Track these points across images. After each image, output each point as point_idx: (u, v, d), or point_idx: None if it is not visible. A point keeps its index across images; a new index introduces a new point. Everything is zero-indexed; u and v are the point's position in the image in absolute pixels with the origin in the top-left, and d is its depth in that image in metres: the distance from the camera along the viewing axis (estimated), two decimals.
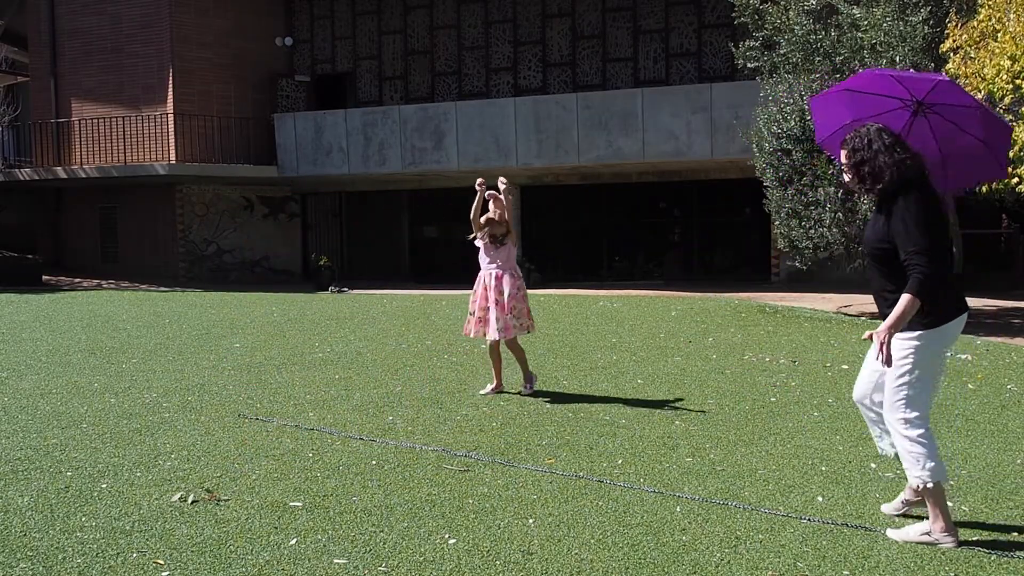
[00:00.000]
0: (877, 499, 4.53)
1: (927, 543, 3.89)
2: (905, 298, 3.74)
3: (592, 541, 3.97)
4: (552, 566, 3.70)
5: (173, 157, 20.19)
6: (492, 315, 7.15)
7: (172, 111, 20.25)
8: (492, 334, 7.17)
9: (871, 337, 3.81)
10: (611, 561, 3.75)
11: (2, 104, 22.53)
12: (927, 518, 3.98)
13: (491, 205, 7.43)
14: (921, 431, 3.87)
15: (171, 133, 20.26)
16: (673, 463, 5.19)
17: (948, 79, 4.28)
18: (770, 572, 3.64)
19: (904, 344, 3.87)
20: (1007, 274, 17.54)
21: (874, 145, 3.93)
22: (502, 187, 7.45)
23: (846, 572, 3.63)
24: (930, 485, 3.87)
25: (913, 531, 3.96)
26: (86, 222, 22.68)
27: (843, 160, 4.09)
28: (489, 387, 7.36)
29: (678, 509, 4.37)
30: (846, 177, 4.11)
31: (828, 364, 8.56)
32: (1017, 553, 3.81)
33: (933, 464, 3.85)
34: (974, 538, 3.98)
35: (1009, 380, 7.72)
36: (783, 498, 4.54)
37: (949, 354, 4.40)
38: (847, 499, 4.53)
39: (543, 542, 3.96)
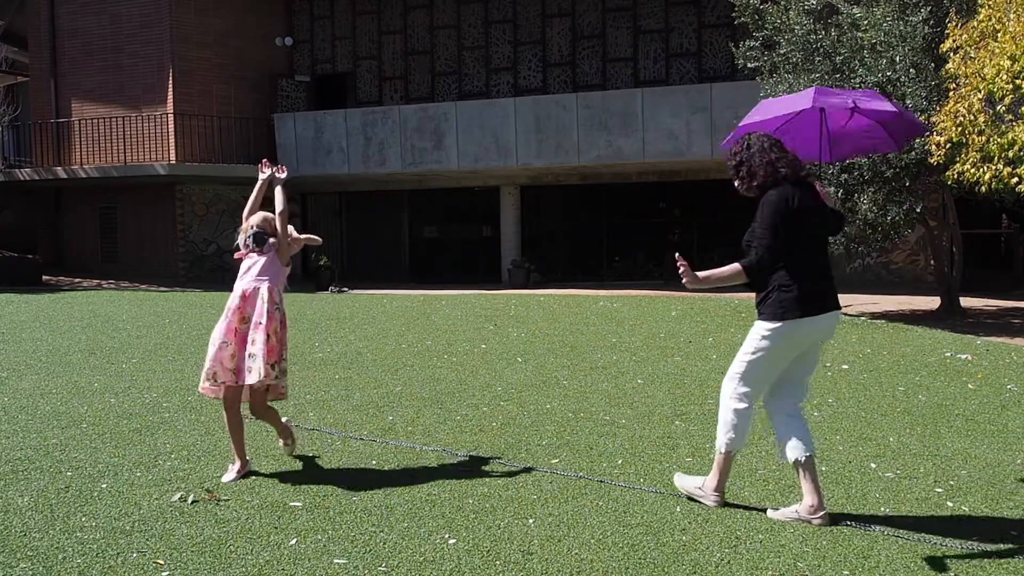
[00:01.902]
0: (877, 499, 4.53)
1: (696, 495, 4.43)
2: (734, 266, 4.18)
3: (592, 541, 3.97)
4: (552, 566, 3.70)
5: (173, 157, 20.20)
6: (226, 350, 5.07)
7: (172, 111, 20.25)
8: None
9: (677, 258, 4.22)
10: (611, 561, 3.75)
11: (2, 104, 22.52)
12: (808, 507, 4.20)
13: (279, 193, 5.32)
14: (744, 406, 4.29)
15: (171, 133, 20.26)
16: (673, 463, 5.19)
17: (817, 88, 4.83)
18: (770, 572, 3.64)
19: (759, 330, 4.24)
20: (1007, 274, 17.54)
21: (752, 148, 4.27)
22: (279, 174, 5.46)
23: (846, 572, 3.63)
24: (723, 451, 4.34)
25: (691, 482, 4.47)
26: (86, 222, 22.67)
27: (728, 164, 4.42)
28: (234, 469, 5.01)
29: (678, 509, 4.38)
30: (734, 181, 4.41)
31: (828, 364, 8.55)
32: (1017, 553, 3.81)
33: (734, 436, 4.30)
34: (974, 538, 3.98)
35: (1009, 380, 7.72)
36: (783, 498, 4.54)
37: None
38: (847, 499, 4.53)
39: (543, 542, 3.96)
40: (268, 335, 4.95)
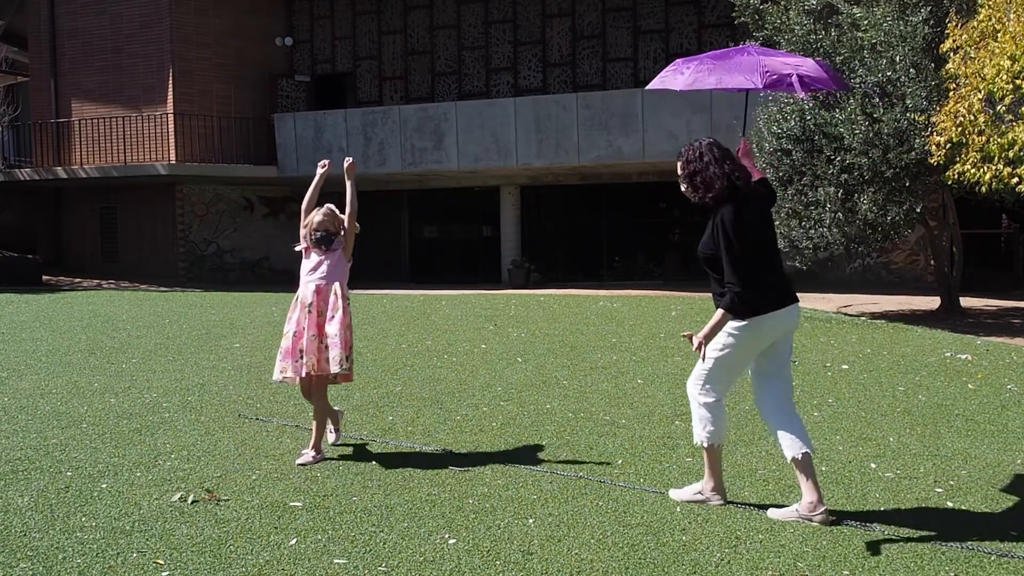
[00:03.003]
0: (877, 499, 4.53)
1: (699, 501, 4.44)
2: (718, 313, 4.22)
3: (592, 541, 3.97)
4: (552, 566, 3.70)
5: (173, 157, 20.19)
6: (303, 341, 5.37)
7: (172, 111, 20.25)
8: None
9: (690, 337, 4.26)
10: (611, 561, 3.75)
11: (2, 104, 22.53)
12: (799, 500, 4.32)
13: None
14: (713, 400, 4.38)
15: (171, 133, 20.26)
16: (673, 463, 5.19)
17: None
18: (770, 572, 3.64)
19: (729, 328, 4.29)
20: (1007, 274, 17.54)
21: (705, 158, 4.34)
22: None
23: (846, 572, 3.63)
24: (705, 445, 4.40)
25: (688, 491, 4.51)
26: (86, 222, 22.67)
27: (678, 171, 4.48)
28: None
29: (678, 509, 4.38)
30: (682, 187, 4.47)
31: (828, 364, 8.55)
32: (1017, 553, 3.81)
33: (713, 429, 4.37)
34: (974, 538, 3.99)
35: (1009, 380, 7.72)
36: (783, 498, 4.54)
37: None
38: (847, 499, 4.53)
39: (543, 542, 3.96)
40: (342, 328, 5.29)
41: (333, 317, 5.32)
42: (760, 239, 4.32)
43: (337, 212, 5.54)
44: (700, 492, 4.47)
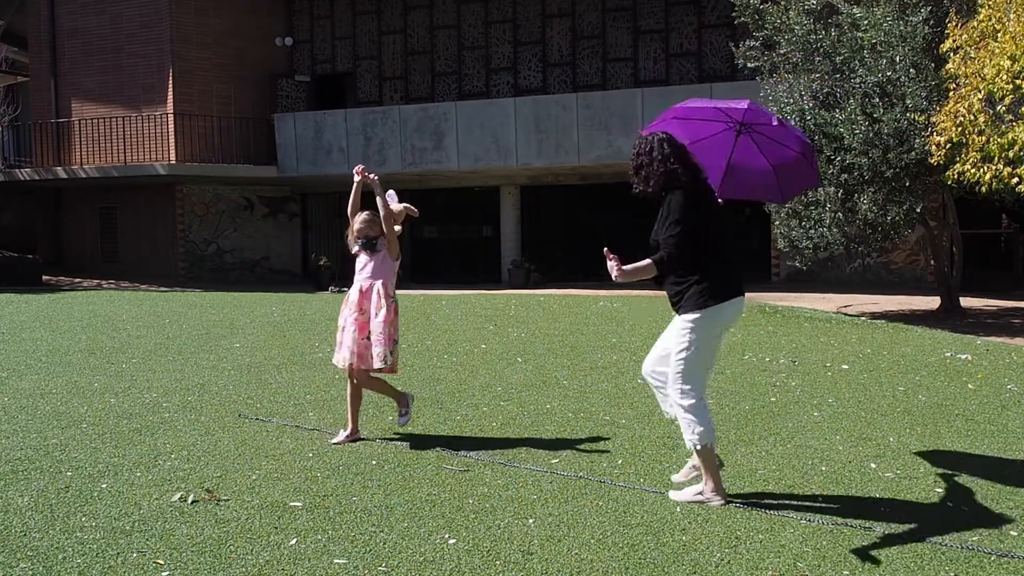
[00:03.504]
0: (877, 499, 4.53)
1: (699, 502, 4.44)
2: (647, 261, 4.35)
3: (592, 541, 3.97)
4: (552, 566, 3.70)
5: (173, 157, 20.19)
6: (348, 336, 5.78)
7: (172, 111, 20.25)
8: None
9: (608, 253, 4.29)
10: (611, 561, 3.75)
11: (2, 104, 22.53)
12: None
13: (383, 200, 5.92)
14: (693, 401, 4.41)
15: (171, 133, 20.26)
16: (673, 463, 5.19)
17: (753, 104, 4.84)
18: (770, 572, 3.64)
19: (683, 325, 4.43)
20: (1007, 274, 17.54)
21: (653, 153, 4.50)
22: (392, 200, 5.98)
23: (846, 572, 3.63)
24: (698, 447, 4.42)
25: (688, 492, 4.53)
26: (86, 222, 22.68)
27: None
28: (343, 433, 5.87)
29: (678, 509, 4.38)
30: (634, 182, 4.64)
31: (828, 364, 8.56)
32: (1017, 553, 3.81)
33: (702, 429, 4.39)
34: (974, 538, 3.99)
35: (1009, 380, 7.72)
36: (783, 498, 4.54)
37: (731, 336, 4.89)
38: (847, 499, 4.53)
39: (543, 542, 3.96)
40: (385, 325, 5.70)
41: (376, 315, 5.70)
42: (710, 231, 4.44)
43: (375, 217, 5.86)
44: (700, 493, 4.49)
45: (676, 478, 4.77)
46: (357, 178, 5.97)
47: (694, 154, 4.72)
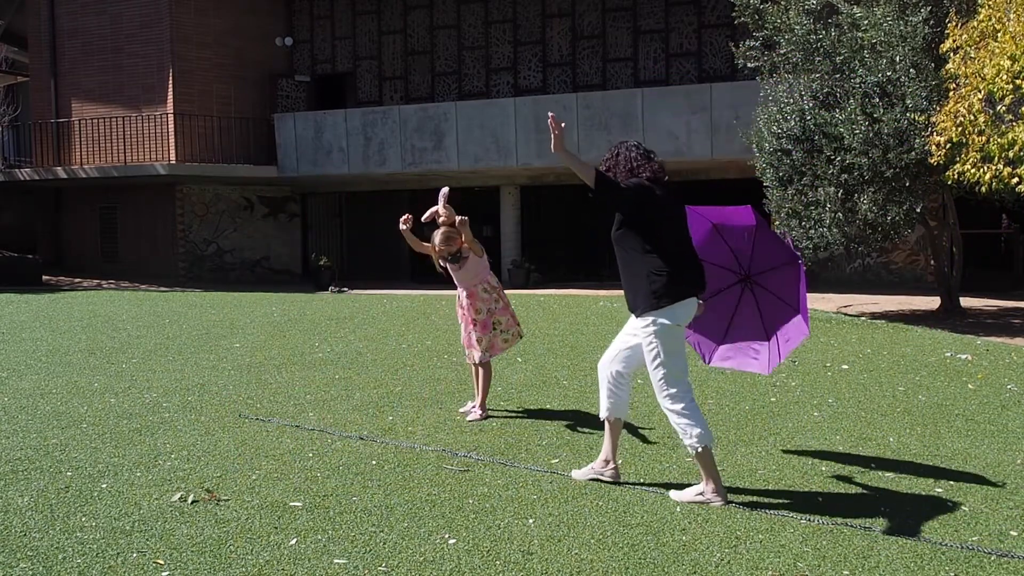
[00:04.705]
0: (877, 499, 4.53)
1: (700, 502, 4.45)
2: (591, 166, 4.43)
3: (592, 541, 3.97)
4: (552, 566, 3.70)
5: (173, 157, 20.19)
6: (473, 336, 6.49)
7: (172, 111, 20.25)
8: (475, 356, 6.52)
9: (553, 119, 4.45)
10: (611, 561, 3.75)
11: (2, 104, 22.53)
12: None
13: (441, 218, 6.50)
14: (683, 404, 4.46)
15: (171, 133, 20.26)
16: (673, 463, 5.19)
17: (797, 261, 5.08)
18: (770, 572, 3.64)
19: (645, 331, 4.50)
20: (1007, 274, 17.54)
21: (619, 157, 4.68)
22: (442, 198, 6.55)
23: (846, 572, 3.63)
24: (699, 449, 4.43)
25: (689, 492, 4.53)
26: (86, 222, 22.68)
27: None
28: (471, 404, 6.60)
29: (678, 509, 4.38)
30: None
31: (828, 364, 8.56)
32: (1017, 553, 3.81)
33: (699, 431, 4.42)
34: (974, 538, 3.99)
35: (1009, 380, 7.72)
36: (783, 497, 4.54)
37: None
38: (847, 499, 4.54)
39: (543, 542, 3.96)
40: (510, 314, 6.54)
41: (496, 309, 6.46)
42: (666, 230, 4.55)
43: (451, 232, 6.38)
44: (701, 494, 4.49)
45: (575, 475, 4.88)
46: (403, 227, 6.51)
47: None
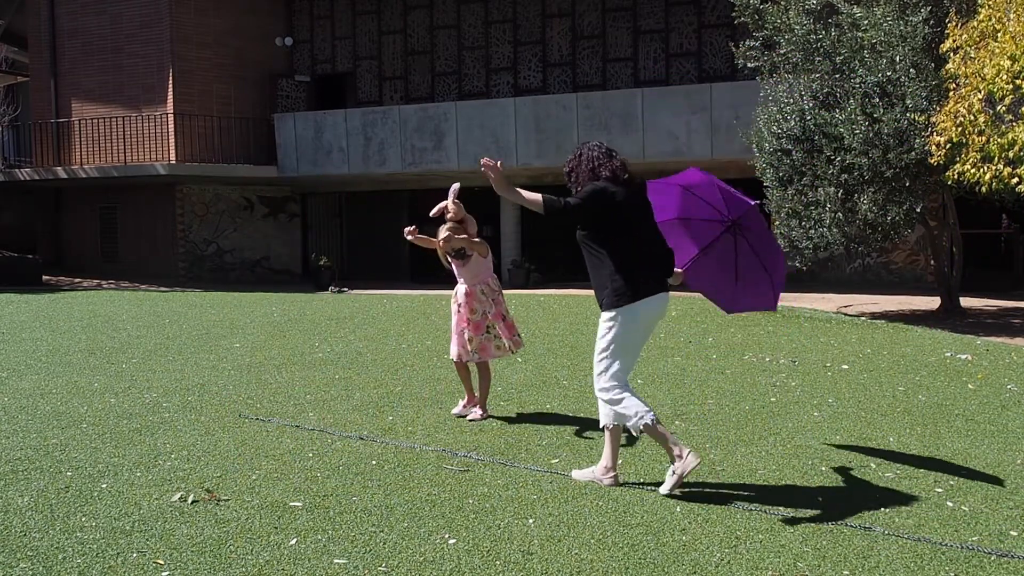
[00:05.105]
0: (877, 499, 4.53)
1: (589, 479, 4.76)
2: (537, 195, 4.56)
3: (592, 541, 3.97)
4: (552, 566, 3.70)
5: (173, 157, 20.20)
6: (465, 335, 6.43)
7: (172, 111, 20.25)
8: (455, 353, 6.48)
9: (487, 163, 4.58)
10: (611, 561, 3.75)
11: (2, 104, 22.53)
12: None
13: (449, 213, 6.47)
14: (616, 393, 4.64)
15: (171, 133, 20.26)
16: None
17: (756, 205, 5.04)
18: (770, 572, 3.64)
19: (603, 324, 4.66)
20: (1007, 274, 17.54)
21: (582, 158, 4.84)
22: (452, 193, 6.50)
23: (846, 572, 3.63)
24: (640, 429, 4.61)
25: (587, 472, 4.82)
26: (86, 222, 22.68)
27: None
28: (462, 404, 6.58)
29: (678, 509, 4.37)
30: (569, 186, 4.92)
31: (828, 364, 8.56)
32: (1017, 553, 3.81)
33: (640, 411, 4.59)
34: (974, 538, 3.99)
35: (1009, 380, 7.72)
36: (783, 497, 4.54)
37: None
38: (847, 499, 4.53)
39: (543, 542, 3.96)
40: (504, 316, 6.53)
41: (491, 313, 6.45)
42: (630, 230, 4.64)
43: (457, 228, 6.35)
44: (593, 471, 4.79)
45: (575, 475, 4.91)
46: (409, 237, 6.43)
47: (679, 227, 5.08)
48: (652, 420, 4.57)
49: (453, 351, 6.47)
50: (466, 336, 6.40)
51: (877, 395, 7.12)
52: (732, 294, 5.35)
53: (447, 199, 6.48)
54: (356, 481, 4.85)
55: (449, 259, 6.43)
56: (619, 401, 4.61)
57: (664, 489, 4.58)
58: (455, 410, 6.52)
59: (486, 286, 6.45)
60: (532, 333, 10.96)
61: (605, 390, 4.65)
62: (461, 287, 6.47)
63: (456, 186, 6.51)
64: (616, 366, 4.64)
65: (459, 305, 6.45)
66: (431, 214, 6.64)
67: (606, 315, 4.64)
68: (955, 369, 8.24)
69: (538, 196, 4.55)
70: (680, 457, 4.51)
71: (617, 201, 4.65)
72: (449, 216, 6.42)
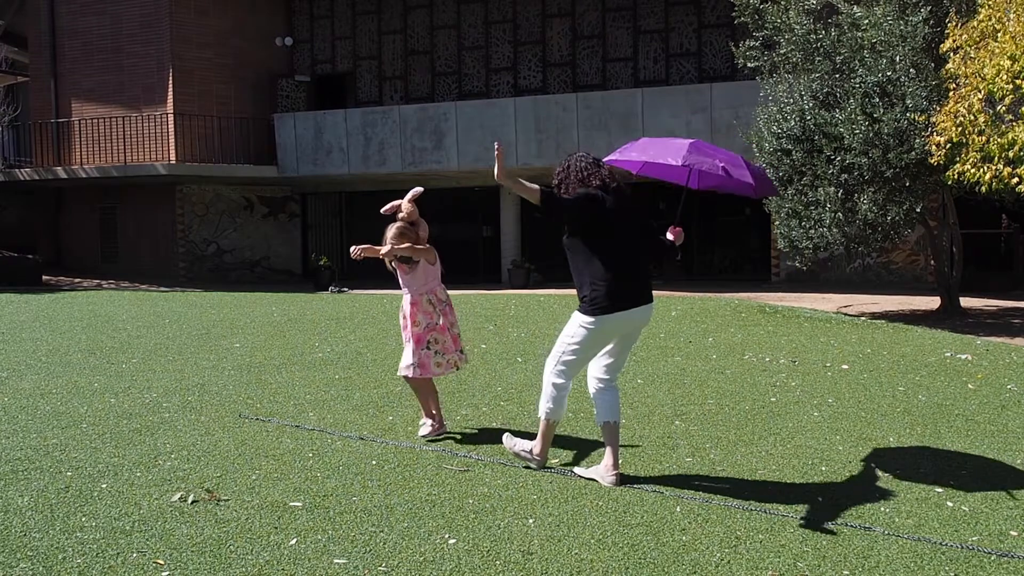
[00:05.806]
0: (877, 499, 4.53)
1: (523, 458, 5.07)
2: (536, 186, 4.59)
3: (592, 541, 3.97)
4: (552, 566, 3.70)
5: (173, 157, 20.20)
6: (408, 347, 5.92)
7: (172, 111, 20.26)
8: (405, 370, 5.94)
9: (499, 148, 4.59)
10: (611, 561, 3.75)
11: (2, 104, 22.53)
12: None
13: (401, 212, 6.07)
14: (562, 381, 4.89)
15: (171, 133, 20.27)
16: (673, 463, 5.19)
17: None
18: (770, 572, 3.64)
19: (574, 321, 4.80)
20: (1007, 274, 17.54)
21: (571, 168, 4.91)
22: (411, 194, 6.11)
23: (846, 572, 3.63)
24: (544, 419, 4.93)
25: (520, 444, 5.11)
26: (86, 222, 22.68)
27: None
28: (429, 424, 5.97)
29: (678, 509, 4.37)
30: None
31: (828, 364, 8.56)
32: (1017, 553, 3.81)
33: (552, 407, 4.91)
34: (974, 538, 3.99)
35: (1009, 380, 7.72)
36: (784, 497, 4.54)
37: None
38: (847, 499, 4.53)
39: (543, 542, 3.96)
40: (449, 328, 5.99)
41: (436, 326, 5.92)
42: (613, 240, 4.72)
43: (405, 229, 5.94)
44: (529, 452, 5.04)
45: (577, 472, 5.02)
46: (356, 256, 6.02)
47: (650, 160, 5.21)
48: (554, 421, 4.94)
49: (406, 369, 5.89)
50: (409, 349, 5.88)
51: (877, 395, 7.12)
52: (736, 178, 5.26)
53: (407, 200, 6.04)
54: (356, 481, 4.85)
55: (394, 266, 5.97)
56: (554, 385, 4.89)
57: (507, 441, 5.18)
58: (421, 432, 5.89)
59: (433, 295, 5.92)
60: (532, 333, 10.96)
61: (558, 375, 4.89)
62: (406, 297, 5.94)
63: (418, 190, 6.11)
64: (571, 359, 4.84)
65: (405, 318, 5.94)
66: (383, 211, 6.17)
67: (581, 318, 4.76)
68: (955, 369, 8.24)
69: (536, 187, 4.62)
70: (540, 455, 4.99)
71: (606, 208, 4.75)
72: (401, 216, 5.98)
